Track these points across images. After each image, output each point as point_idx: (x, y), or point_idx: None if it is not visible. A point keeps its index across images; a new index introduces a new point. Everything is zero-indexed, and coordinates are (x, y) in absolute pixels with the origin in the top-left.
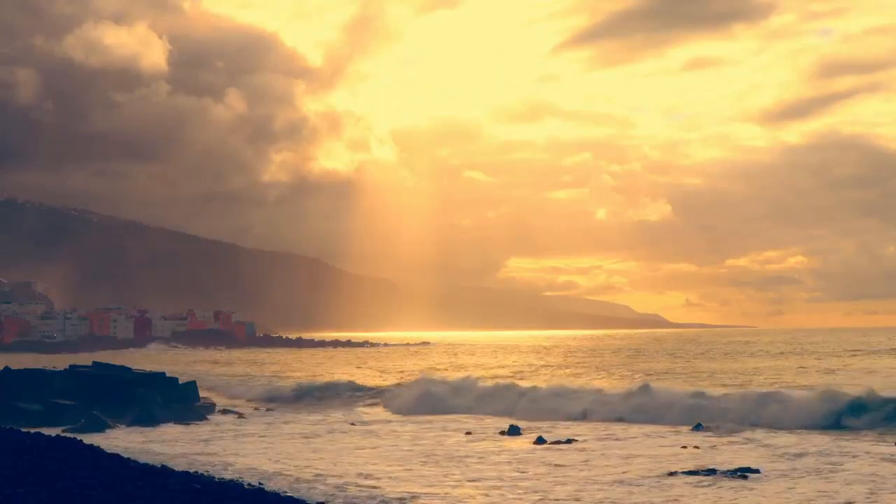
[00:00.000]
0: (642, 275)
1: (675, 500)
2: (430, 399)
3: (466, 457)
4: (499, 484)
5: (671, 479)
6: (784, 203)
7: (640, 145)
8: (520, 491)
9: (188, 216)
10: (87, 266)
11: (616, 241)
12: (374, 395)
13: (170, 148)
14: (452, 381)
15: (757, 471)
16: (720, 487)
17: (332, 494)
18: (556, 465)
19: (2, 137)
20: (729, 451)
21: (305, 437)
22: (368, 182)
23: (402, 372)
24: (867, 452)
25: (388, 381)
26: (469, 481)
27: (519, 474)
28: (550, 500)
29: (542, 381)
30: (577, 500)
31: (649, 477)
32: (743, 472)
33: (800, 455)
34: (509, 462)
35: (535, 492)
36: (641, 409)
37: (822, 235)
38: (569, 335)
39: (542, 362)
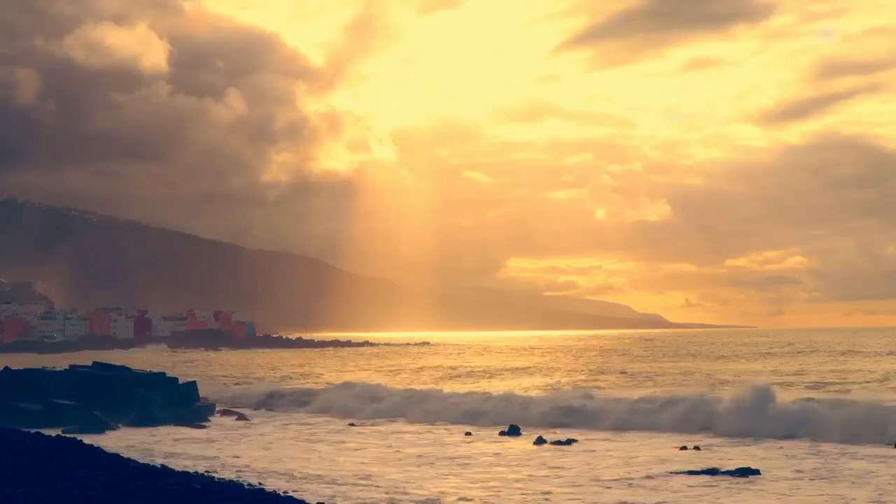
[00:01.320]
0: (642, 275)
1: (676, 500)
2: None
3: (466, 457)
4: (499, 484)
5: (671, 480)
6: (784, 203)
7: (640, 145)
8: (520, 492)
9: (188, 216)
10: (87, 266)
11: (616, 241)
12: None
13: (170, 148)
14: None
15: (757, 472)
16: (721, 488)
17: (332, 495)
18: (556, 465)
19: (2, 137)
20: (729, 452)
21: (305, 438)
22: (368, 182)
23: (401, 372)
24: (870, 455)
25: (388, 381)
26: (469, 482)
27: (519, 475)
28: (551, 500)
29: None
30: (578, 500)
31: (650, 477)
32: (743, 473)
33: (801, 456)
34: (509, 463)
35: (536, 492)
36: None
37: (821, 235)
38: (562, 335)
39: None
